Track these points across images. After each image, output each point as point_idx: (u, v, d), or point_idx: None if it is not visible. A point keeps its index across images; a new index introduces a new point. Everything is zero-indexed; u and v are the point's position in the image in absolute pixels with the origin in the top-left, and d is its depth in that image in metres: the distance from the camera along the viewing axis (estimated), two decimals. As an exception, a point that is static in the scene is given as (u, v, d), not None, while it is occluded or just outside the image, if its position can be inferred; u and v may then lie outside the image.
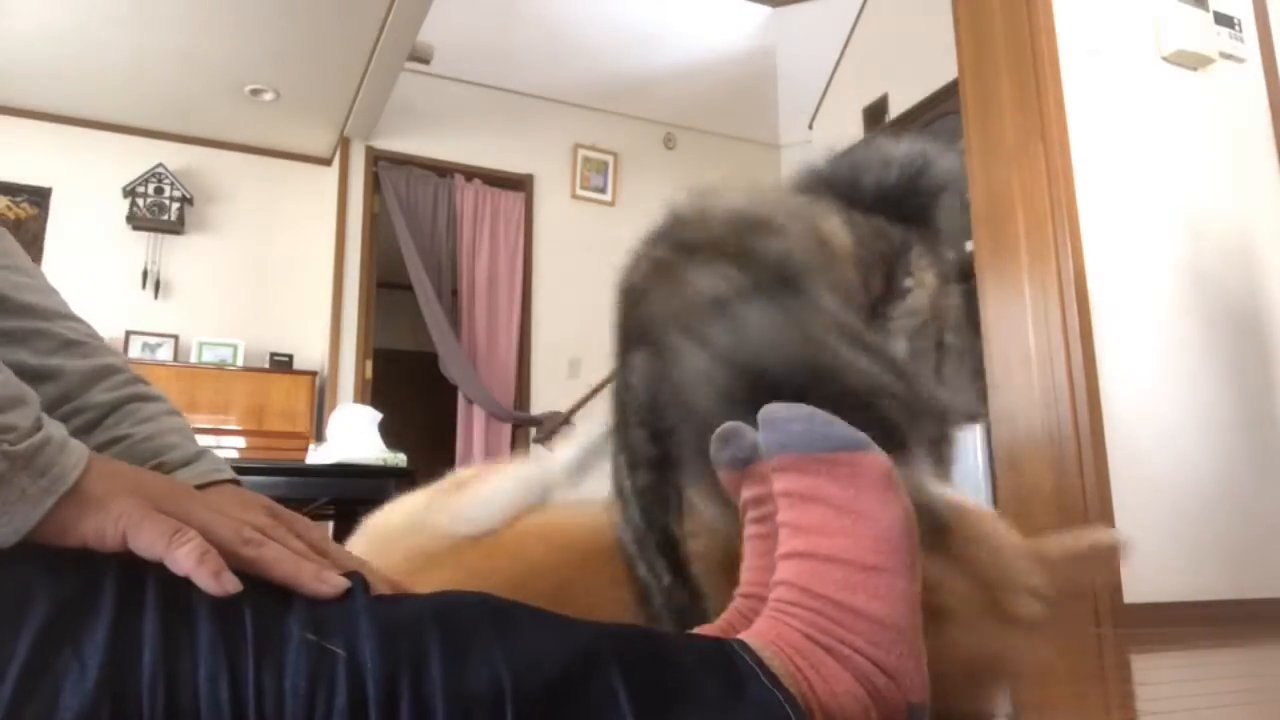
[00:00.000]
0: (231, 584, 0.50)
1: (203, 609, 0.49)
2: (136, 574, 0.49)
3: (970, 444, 3.20)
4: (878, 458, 0.72)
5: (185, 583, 0.50)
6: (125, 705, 0.44)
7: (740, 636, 0.64)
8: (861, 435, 0.73)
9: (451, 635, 0.51)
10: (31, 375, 0.66)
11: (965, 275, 3.45)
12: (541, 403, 5.50)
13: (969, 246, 3.29)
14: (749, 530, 0.86)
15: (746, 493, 0.86)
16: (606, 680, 0.53)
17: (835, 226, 1.10)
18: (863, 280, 1.03)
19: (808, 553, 0.67)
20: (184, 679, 0.46)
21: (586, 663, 0.53)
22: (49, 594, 0.46)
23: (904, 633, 0.64)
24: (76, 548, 0.50)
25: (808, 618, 0.64)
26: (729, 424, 0.87)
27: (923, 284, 1.11)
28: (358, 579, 0.55)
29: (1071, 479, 2.50)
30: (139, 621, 0.47)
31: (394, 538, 1.00)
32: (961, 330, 1.59)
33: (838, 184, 1.77)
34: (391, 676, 0.48)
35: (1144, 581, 2.45)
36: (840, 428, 0.73)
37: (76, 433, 0.63)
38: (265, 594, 0.51)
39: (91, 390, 0.72)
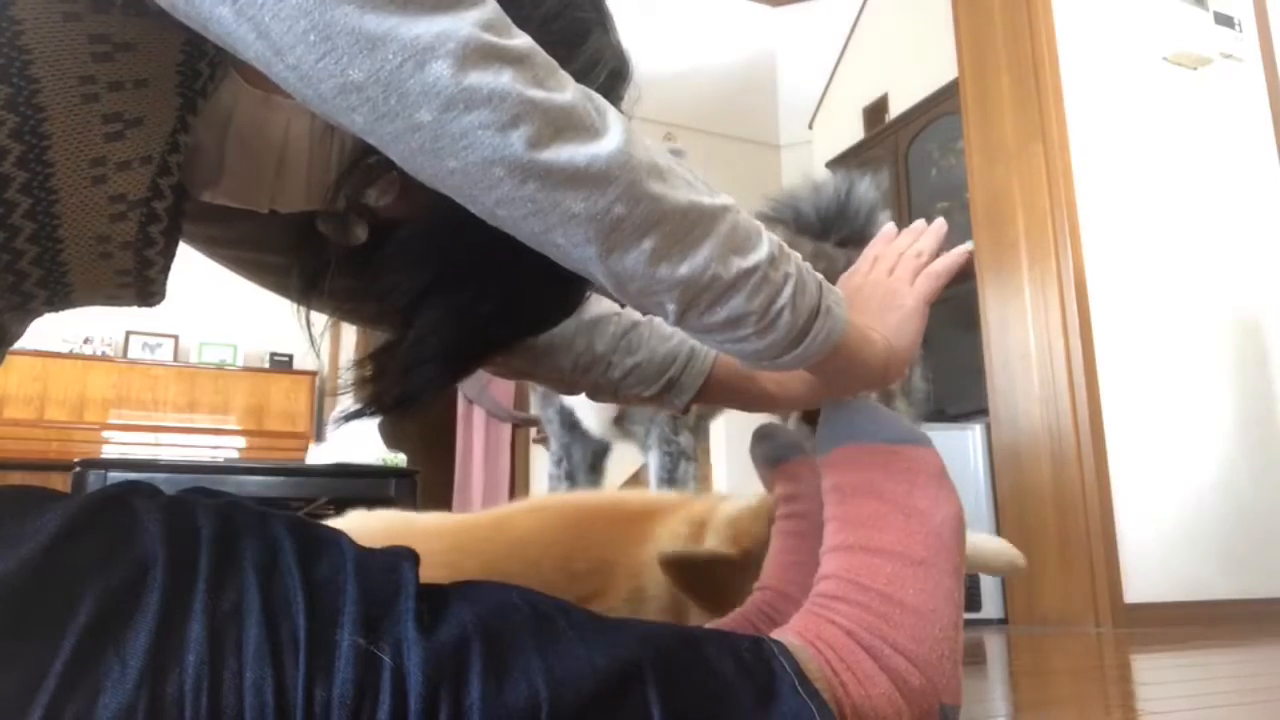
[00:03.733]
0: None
1: (253, 610, 0.49)
2: (187, 565, 0.49)
3: (970, 443, 3.20)
4: (934, 454, 0.73)
5: (236, 580, 0.50)
6: (164, 706, 0.45)
7: (780, 634, 0.64)
8: (921, 431, 0.74)
9: (493, 646, 0.52)
10: (549, 348, 0.86)
11: (965, 275, 3.47)
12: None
13: (969, 246, 3.29)
14: (777, 526, 0.87)
15: (779, 489, 0.88)
16: (642, 695, 0.53)
17: None
18: None
19: (857, 546, 0.68)
20: (229, 683, 0.46)
21: (624, 676, 0.53)
22: (98, 588, 0.46)
23: (945, 630, 0.64)
24: (126, 534, 0.50)
25: (853, 614, 0.64)
26: (767, 423, 0.93)
27: None
28: (409, 563, 0.55)
29: (1071, 479, 2.50)
30: (185, 622, 0.47)
31: (375, 532, 1.02)
32: None
33: (784, 217, 1.91)
34: (433, 690, 0.49)
35: (1144, 581, 2.45)
36: (900, 421, 0.75)
37: (598, 379, 0.88)
38: (320, 593, 0.51)
39: (593, 342, 0.87)
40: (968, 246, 0.84)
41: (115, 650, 0.45)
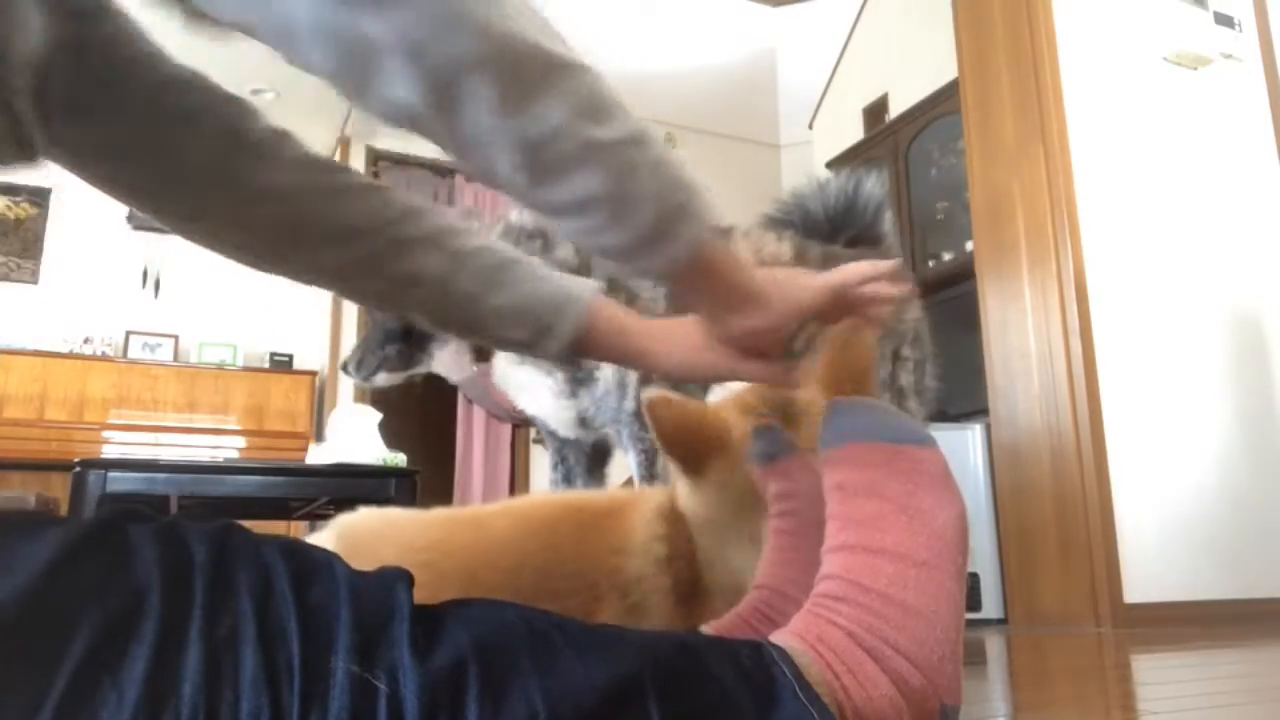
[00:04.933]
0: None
1: (249, 638, 0.48)
2: (182, 592, 0.49)
3: (970, 443, 3.20)
4: (939, 455, 0.72)
5: (232, 606, 0.50)
6: None
7: (779, 637, 0.63)
8: (926, 431, 0.74)
9: (490, 669, 0.51)
10: (412, 280, 0.83)
11: (965, 275, 3.48)
12: (541, 403, 5.50)
13: (969, 247, 3.29)
14: (772, 524, 0.87)
15: (773, 488, 0.88)
16: (642, 707, 0.53)
17: (774, 243, 1.38)
18: None
19: (860, 546, 0.67)
20: (225, 714, 0.46)
21: (624, 690, 0.53)
22: (94, 616, 0.46)
23: (947, 632, 0.64)
24: (122, 561, 0.50)
25: (854, 615, 0.63)
26: (760, 423, 0.92)
27: None
28: (403, 586, 0.55)
29: (1071, 478, 2.50)
30: (181, 651, 0.47)
31: (364, 538, 1.01)
32: (919, 343, 1.70)
33: (791, 218, 1.91)
34: (429, 716, 0.49)
35: (1144, 581, 2.45)
36: (906, 421, 0.74)
37: (467, 315, 0.85)
38: (314, 619, 0.51)
39: (459, 276, 0.84)
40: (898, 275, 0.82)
41: (112, 680, 0.45)
